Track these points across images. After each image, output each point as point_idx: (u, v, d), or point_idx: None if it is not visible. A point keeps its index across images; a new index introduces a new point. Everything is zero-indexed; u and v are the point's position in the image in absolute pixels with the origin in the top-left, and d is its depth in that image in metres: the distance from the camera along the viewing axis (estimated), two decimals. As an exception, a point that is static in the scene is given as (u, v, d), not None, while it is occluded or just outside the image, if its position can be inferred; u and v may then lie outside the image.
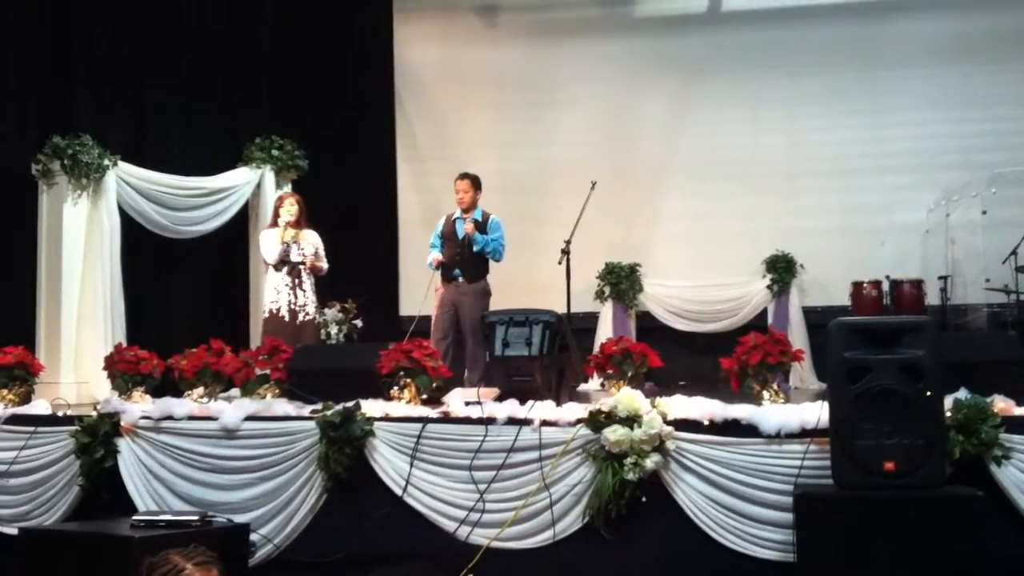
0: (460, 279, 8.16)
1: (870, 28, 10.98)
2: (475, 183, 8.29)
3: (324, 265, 8.23)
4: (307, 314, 8.09)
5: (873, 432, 4.52)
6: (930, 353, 4.56)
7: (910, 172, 10.73)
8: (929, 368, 4.54)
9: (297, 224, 8.18)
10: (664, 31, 11.52)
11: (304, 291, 8.11)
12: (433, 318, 8.23)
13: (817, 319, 10.27)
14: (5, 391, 6.71)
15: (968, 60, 10.67)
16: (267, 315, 8.19)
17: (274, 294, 8.14)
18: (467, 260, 8.19)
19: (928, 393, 4.53)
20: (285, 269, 8.10)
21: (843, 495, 4.60)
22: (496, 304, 7.89)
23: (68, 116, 9.14)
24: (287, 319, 8.04)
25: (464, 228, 8.17)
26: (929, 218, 10.37)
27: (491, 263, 8.32)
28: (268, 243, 8.21)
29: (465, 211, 8.26)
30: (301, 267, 8.09)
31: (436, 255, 8.23)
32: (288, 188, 9.90)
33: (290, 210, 8.17)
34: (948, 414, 4.77)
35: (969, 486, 4.64)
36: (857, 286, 10.00)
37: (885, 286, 9.95)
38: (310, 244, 8.16)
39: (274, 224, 8.22)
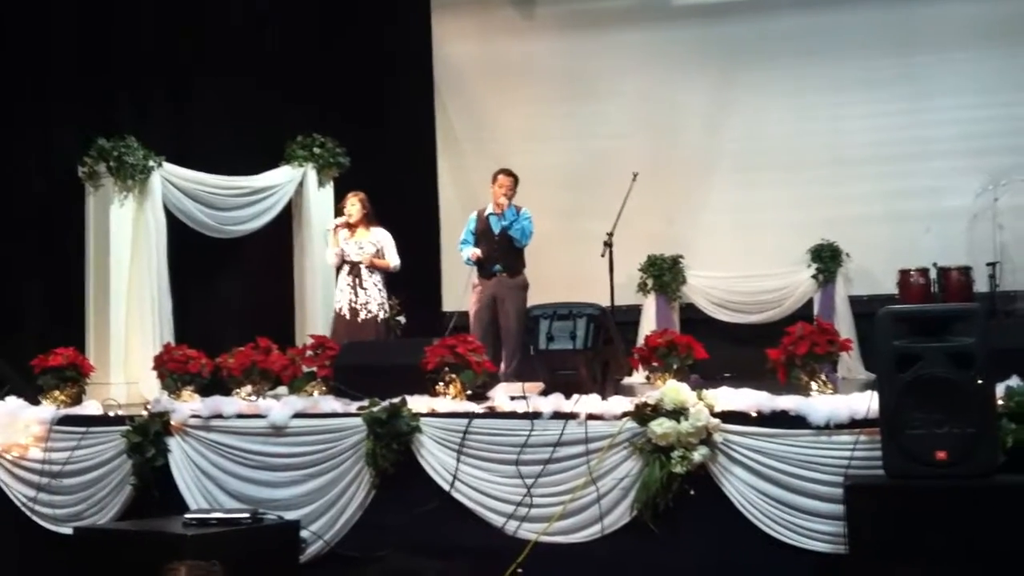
0: (502, 273, 8.17)
1: (912, 11, 10.83)
2: (517, 181, 8.31)
3: (390, 263, 8.36)
4: (369, 312, 8.24)
5: (924, 421, 4.47)
6: (980, 340, 4.50)
7: (956, 157, 10.58)
8: (979, 356, 4.48)
9: (361, 223, 8.28)
10: (703, 19, 11.44)
11: (365, 289, 8.26)
12: (472, 313, 8.24)
13: (863, 308, 10.17)
14: (57, 392, 6.79)
15: (1013, 41, 10.48)
16: (334, 314, 8.42)
17: (338, 294, 8.37)
18: (506, 254, 8.19)
19: (979, 381, 4.47)
20: (346, 268, 8.26)
21: (894, 485, 4.56)
22: (539, 298, 7.87)
23: (113, 118, 9.23)
24: (348, 318, 8.22)
25: (497, 207, 8.15)
26: (976, 203, 10.21)
27: (526, 258, 8.32)
28: (328, 247, 8.47)
29: (498, 207, 8.25)
30: (361, 266, 8.21)
31: (473, 250, 8.23)
32: (329, 185, 10.02)
33: (350, 210, 8.33)
34: (999, 402, 4.71)
35: (1022, 474, 4.58)
36: (904, 274, 9.89)
37: (932, 274, 9.84)
38: (370, 243, 8.26)
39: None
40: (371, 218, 8.40)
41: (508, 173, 8.32)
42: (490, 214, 8.27)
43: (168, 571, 3.55)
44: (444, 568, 5.38)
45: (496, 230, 8.20)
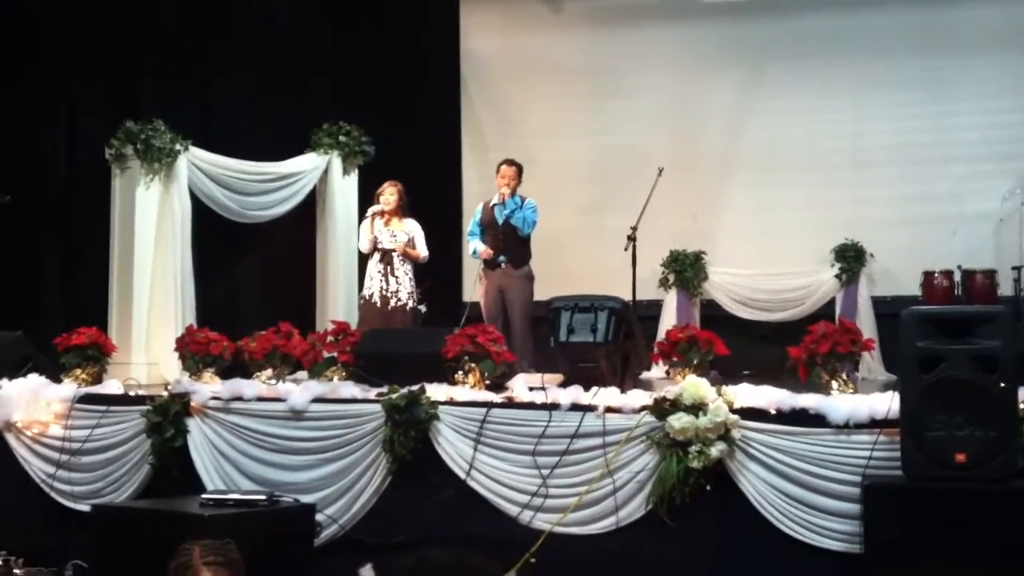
0: (505, 264, 8.20)
1: (938, 14, 10.72)
2: (520, 171, 8.34)
3: (419, 253, 8.43)
4: (399, 300, 8.30)
5: (944, 423, 4.46)
6: (1004, 344, 4.48)
7: (982, 160, 10.49)
8: (1003, 359, 4.46)
9: (396, 212, 8.36)
10: (730, 18, 11.37)
11: (396, 277, 8.34)
12: (482, 305, 8.29)
13: (886, 309, 10.10)
14: (78, 371, 6.85)
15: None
16: (362, 301, 8.48)
17: (369, 280, 8.42)
18: (510, 245, 8.22)
19: (1002, 384, 4.45)
20: (378, 256, 8.32)
21: (912, 486, 4.55)
22: (561, 291, 7.89)
23: (140, 101, 9.28)
24: (378, 305, 8.29)
25: (500, 197, 8.19)
26: (1003, 207, 10.14)
27: (533, 250, 8.35)
28: (361, 233, 8.53)
29: (500, 197, 8.27)
30: (393, 254, 8.25)
31: (481, 247, 8.27)
32: (354, 173, 10.04)
33: (387, 199, 8.38)
34: (1022, 406, 4.68)
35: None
36: (928, 276, 9.82)
37: (957, 276, 9.77)
38: (403, 232, 8.33)
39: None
40: (405, 209, 8.48)
41: (511, 163, 8.37)
42: (495, 204, 8.31)
43: (181, 550, 3.55)
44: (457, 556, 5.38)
45: (500, 220, 8.23)
